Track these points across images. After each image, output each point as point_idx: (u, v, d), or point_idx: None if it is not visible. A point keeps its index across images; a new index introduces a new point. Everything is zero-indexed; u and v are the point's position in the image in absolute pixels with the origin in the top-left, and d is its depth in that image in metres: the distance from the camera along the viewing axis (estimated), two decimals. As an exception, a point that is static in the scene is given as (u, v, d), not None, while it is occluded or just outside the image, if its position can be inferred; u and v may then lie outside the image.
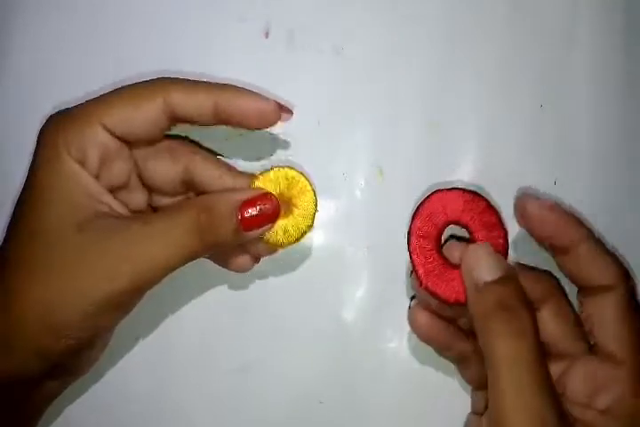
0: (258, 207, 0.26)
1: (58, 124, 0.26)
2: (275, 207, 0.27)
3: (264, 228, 0.27)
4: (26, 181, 0.27)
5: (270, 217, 0.27)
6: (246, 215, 0.26)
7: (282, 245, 0.28)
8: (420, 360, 0.37)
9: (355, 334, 0.37)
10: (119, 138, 0.27)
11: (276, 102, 0.28)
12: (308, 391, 0.36)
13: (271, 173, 0.28)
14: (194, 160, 0.29)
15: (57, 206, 0.25)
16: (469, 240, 0.29)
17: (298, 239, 0.28)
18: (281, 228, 0.28)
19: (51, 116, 0.27)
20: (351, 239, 0.37)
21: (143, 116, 0.26)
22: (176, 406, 0.36)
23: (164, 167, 0.29)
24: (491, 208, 0.28)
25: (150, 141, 0.28)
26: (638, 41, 0.40)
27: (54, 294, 0.25)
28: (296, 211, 0.28)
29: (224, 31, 0.38)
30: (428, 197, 0.28)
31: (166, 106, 0.26)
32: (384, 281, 0.37)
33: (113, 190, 0.27)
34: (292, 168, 0.28)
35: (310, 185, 0.28)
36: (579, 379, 0.26)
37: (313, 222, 0.28)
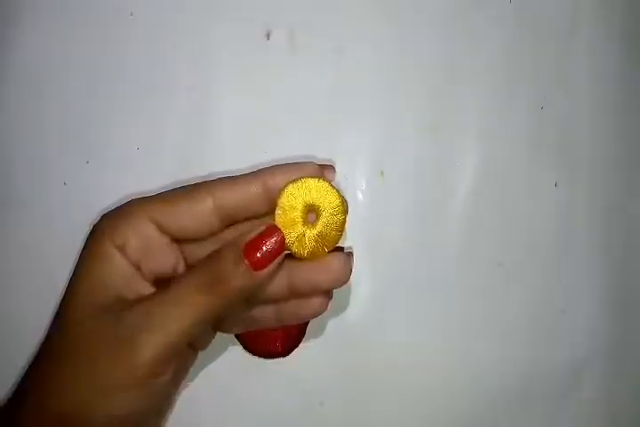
0: (264, 245, 0.26)
1: (107, 217, 0.27)
2: (279, 238, 0.26)
3: (277, 260, 0.26)
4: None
5: (277, 249, 0.26)
6: (253, 257, 0.25)
7: (315, 256, 0.27)
8: (422, 361, 0.37)
9: (356, 334, 0.37)
10: (167, 233, 0.27)
11: (316, 164, 0.28)
12: (310, 392, 0.37)
13: (298, 183, 0.27)
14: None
15: (85, 289, 0.26)
16: None
17: (329, 247, 0.27)
18: (310, 238, 0.27)
19: (105, 213, 0.28)
20: (352, 240, 0.37)
21: (192, 215, 0.26)
22: (176, 408, 0.36)
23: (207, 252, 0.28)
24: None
25: (199, 239, 0.28)
26: (638, 41, 0.40)
27: (73, 379, 0.24)
28: (324, 220, 0.28)
29: (225, 32, 0.38)
30: None
31: (215, 203, 0.26)
32: (385, 282, 0.37)
33: (157, 280, 0.27)
34: (320, 178, 0.28)
35: (338, 193, 0.28)
36: None
37: (342, 229, 0.28)
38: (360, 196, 0.38)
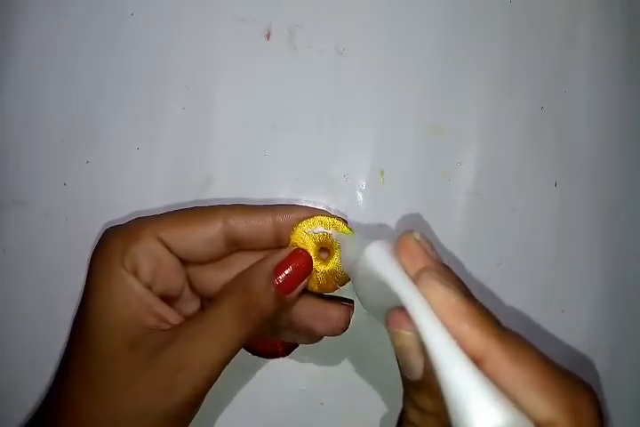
0: (290, 268, 0.26)
1: (113, 237, 0.27)
2: (306, 260, 0.26)
3: (302, 284, 0.26)
4: (83, 291, 0.27)
5: (304, 271, 0.26)
6: (281, 281, 0.26)
7: (325, 290, 0.28)
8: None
9: (357, 335, 0.37)
10: (175, 255, 0.27)
11: (329, 213, 0.28)
12: (310, 392, 0.37)
13: (312, 221, 0.27)
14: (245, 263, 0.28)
15: (108, 323, 0.25)
16: None
17: (340, 284, 0.27)
18: (325, 274, 0.27)
19: (107, 229, 0.27)
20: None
21: (200, 237, 0.26)
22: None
23: (215, 278, 0.28)
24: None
25: (204, 262, 0.28)
26: (638, 41, 0.40)
27: (112, 415, 0.25)
28: (336, 259, 0.27)
29: (226, 32, 0.38)
30: None
31: (225, 229, 0.26)
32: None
33: (166, 300, 0.27)
34: (331, 216, 0.27)
35: (352, 232, 0.27)
36: None
37: None
38: (360, 196, 0.38)
